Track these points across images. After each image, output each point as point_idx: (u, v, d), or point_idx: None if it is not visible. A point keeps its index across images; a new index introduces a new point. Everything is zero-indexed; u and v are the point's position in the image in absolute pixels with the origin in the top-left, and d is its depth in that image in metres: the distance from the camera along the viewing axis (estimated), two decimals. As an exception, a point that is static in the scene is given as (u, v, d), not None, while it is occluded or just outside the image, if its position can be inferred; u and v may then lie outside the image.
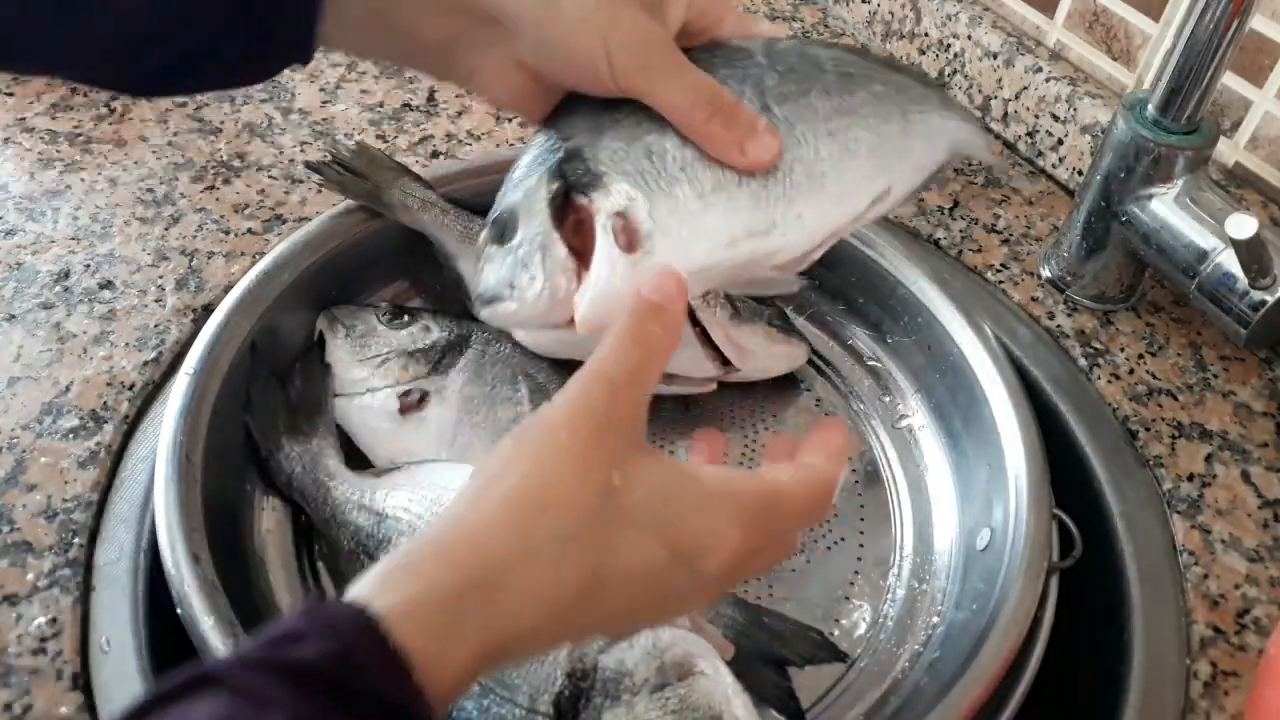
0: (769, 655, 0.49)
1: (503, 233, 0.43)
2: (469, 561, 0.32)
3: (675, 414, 0.61)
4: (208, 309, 0.61)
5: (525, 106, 0.46)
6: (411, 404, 0.57)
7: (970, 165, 0.77)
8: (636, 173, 0.42)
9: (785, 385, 0.64)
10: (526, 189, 0.43)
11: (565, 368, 0.59)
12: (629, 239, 0.41)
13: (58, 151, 0.73)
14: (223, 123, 0.76)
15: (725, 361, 0.60)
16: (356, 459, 0.56)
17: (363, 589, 0.30)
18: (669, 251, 0.41)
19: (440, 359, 0.59)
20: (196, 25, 0.41)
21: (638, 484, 0.34)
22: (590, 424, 0.34)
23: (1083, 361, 0.64)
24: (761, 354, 0.61)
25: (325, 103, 0.78)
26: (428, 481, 0.52)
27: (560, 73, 0.43)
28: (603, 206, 0.41)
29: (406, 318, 0.60)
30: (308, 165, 0.64)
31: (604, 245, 0.40)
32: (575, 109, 0.44)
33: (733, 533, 0.36)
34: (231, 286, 0.58)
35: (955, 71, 0.82)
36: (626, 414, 0.35)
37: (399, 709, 0.28)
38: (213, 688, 0.27)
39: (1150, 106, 0.59)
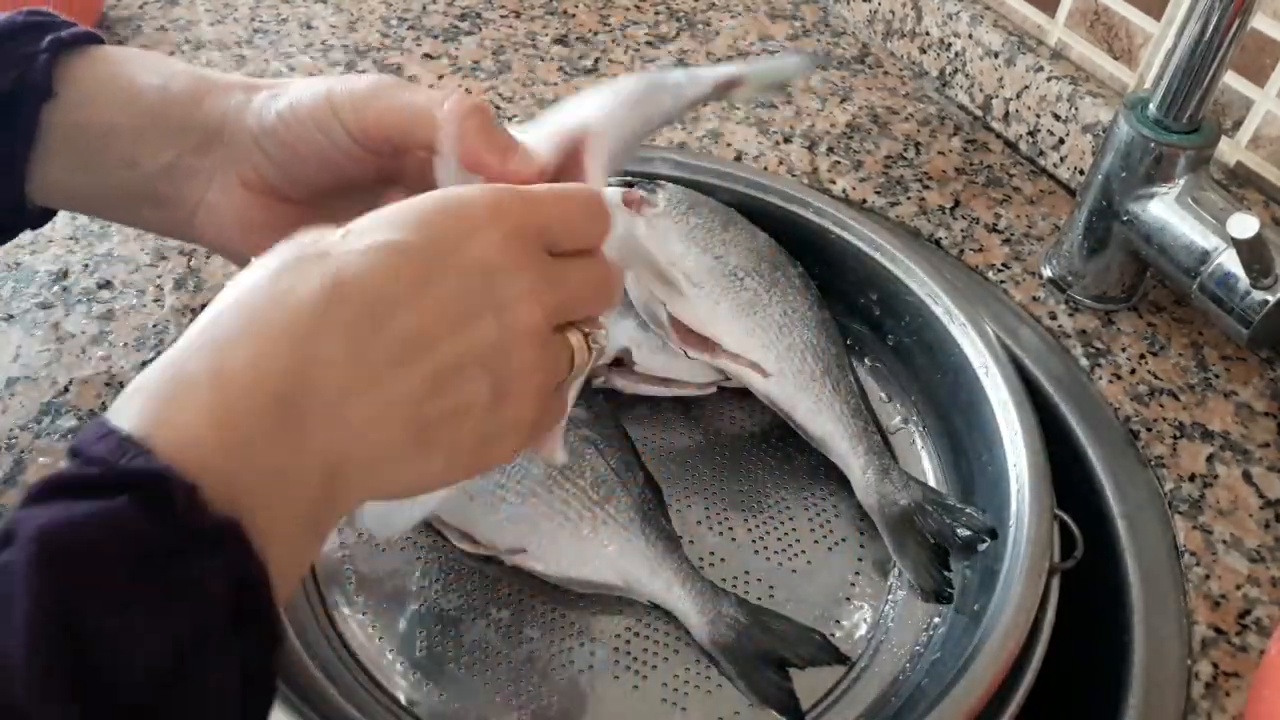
0: (770, 656, 0.49)
1: None
2: (183, 339, 0.29)
3: (675, 416, 0.61)
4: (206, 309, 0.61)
5: (257, 240, 0.41)
6: None
7: (971, 165, 0.77)
8: None
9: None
10: None
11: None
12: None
13: (56, 151, 0.72)
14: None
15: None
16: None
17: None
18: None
19: None
20: None
21: (340, 229, 0.32)
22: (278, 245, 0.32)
23: (1084, 361, 0.64)
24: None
25: (324, 102, 0.78)
26: None
27: (295, 162, 0.40)
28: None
29: None
30: None
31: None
32: None
33: (486, 200, 0.33)
34: (230, 286, 0.57)
35: (956, 70, 0.82)
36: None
37: (134, 477, 0.25)
38: (5, 540, 0.25)
39: (1152, 106, 0.59)
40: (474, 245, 0.32)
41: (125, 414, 0.27)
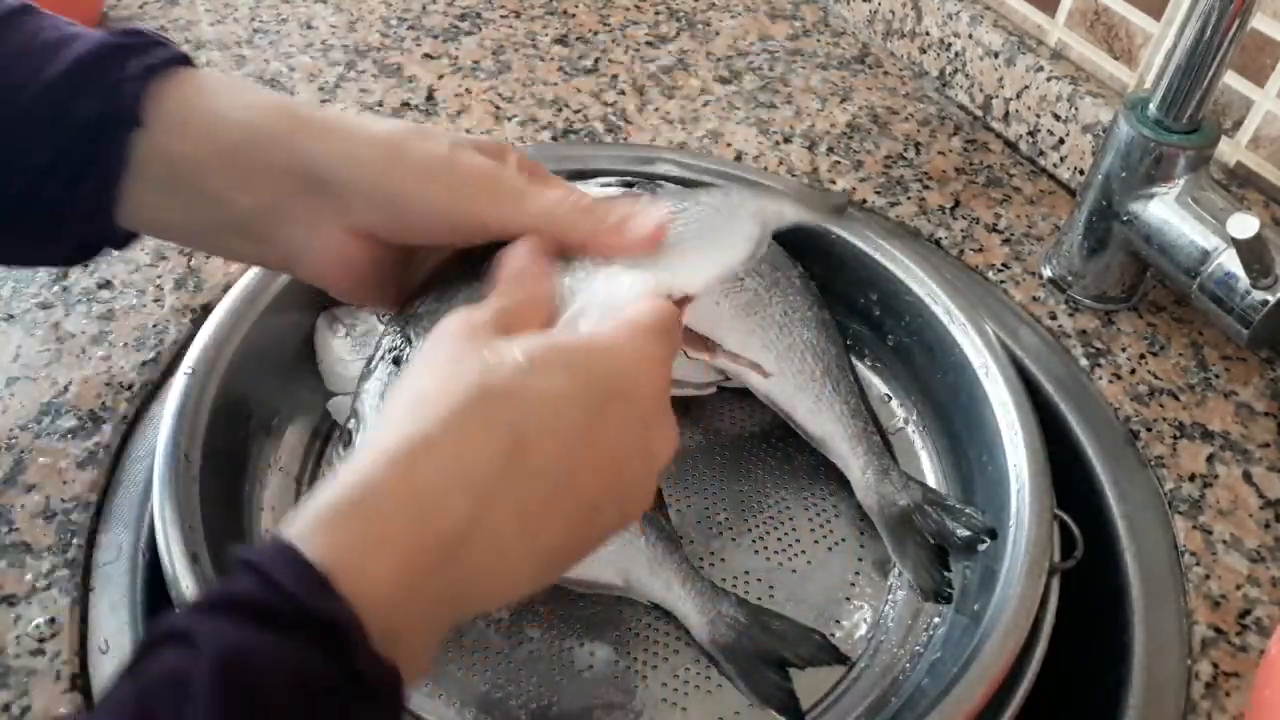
0: (770, 656, 0.49)
1: (350, 440, 0.44)
2: (369, 467, 0.30)
3: (675, 416, 0.61)
4: (206, 309, 0.61)
5: (361, 283, 0.43)
6: None
7: (971, 165, 0.77)
8: None
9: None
10: (364, 387, 0.44)
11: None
12: None
13: (56, 151, 0.72)
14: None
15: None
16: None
17: (285, 531, 0.29)
18: None
19: None
20: None
21: (514, 351, 0.33)
22: (448, 344, 0.34)
23: (1084, 361, 0.64)
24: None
25: (324, 101, 0.78)
26: None
27: (404, 226, 0.41)
28: None
29: None
30: None
31: None
32: (422, 291, 0.44)
33: (650, 350, 0.35)
34: (230, 286, 0.57)
35: (956, 71, 0.82)
36: (484, 329, 0.34)
37: (321, 618, 0.27)
38: (155, 644, 0.26)
39: (1152, 106, 0.59)
40: (638, 392, 0.35)
41: (315, 544, 0.28)
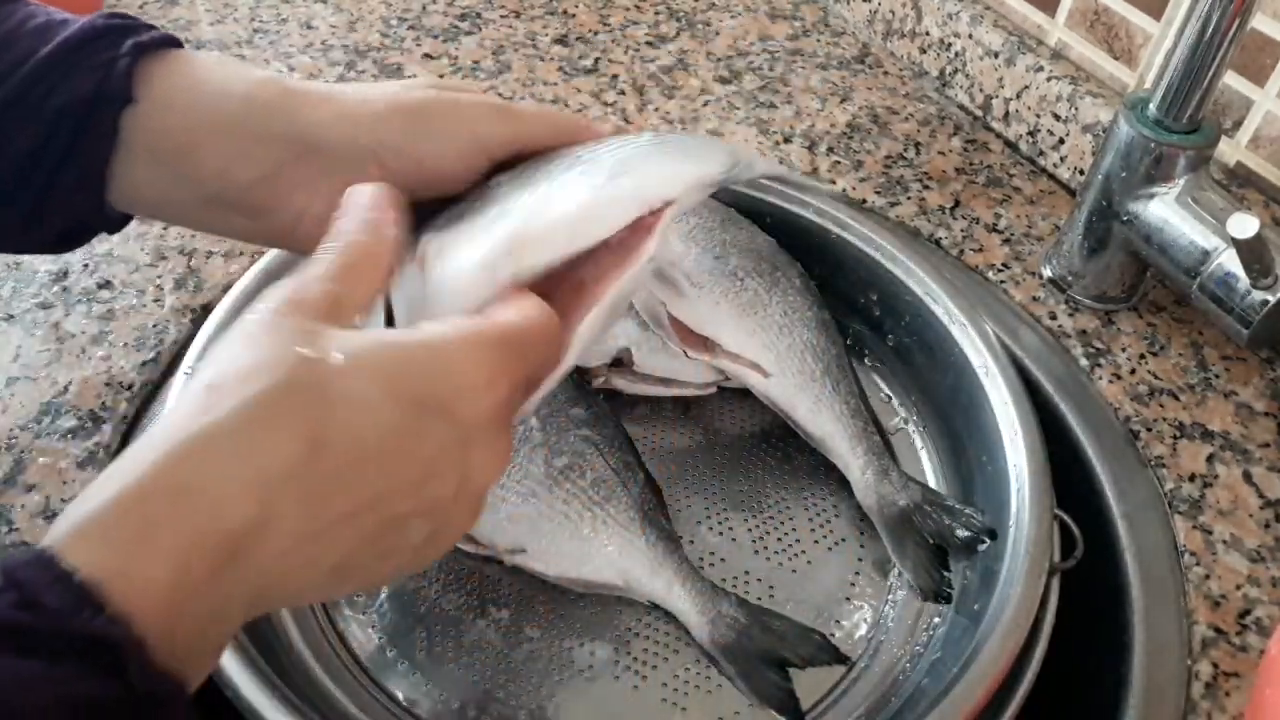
0: (770, 656, 0.49)
1: None
2: (144, 461, 0.27)
3: (675, 415, 0.61)
4: (206, 309, 0.61)
5: None
6: None
7: (971, 165, 0.77)
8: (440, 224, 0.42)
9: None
10: None
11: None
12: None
13: (56, 151, 0.72)
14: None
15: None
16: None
17: (48, 537, 0.27)
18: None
19: None
20: None
21: (338, 347, 0.30)
22: (270, 315, 0.31)
23: (1084, 361, 0.64)
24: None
25: (325, 102, 0.78)
26: None
27: (409, 172, 0.41)
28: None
29: None
30: None
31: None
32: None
33: (480, 369, 0.32)
34: (230, 286, 0.57)
35: (956, 70, 0.82)
36: (314, 305, 0.31)
37: (90, 637, 0.24)
38: None
39: (1152, 106, 0.59)
40: (460, 411, 0.32)
41: (79, 554, 0.25)
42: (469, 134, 0.41)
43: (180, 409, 0.29)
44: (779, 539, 0.56)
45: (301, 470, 0.28)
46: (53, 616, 0.24)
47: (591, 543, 0.51)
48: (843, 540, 0.56)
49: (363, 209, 0.35)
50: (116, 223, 0.43)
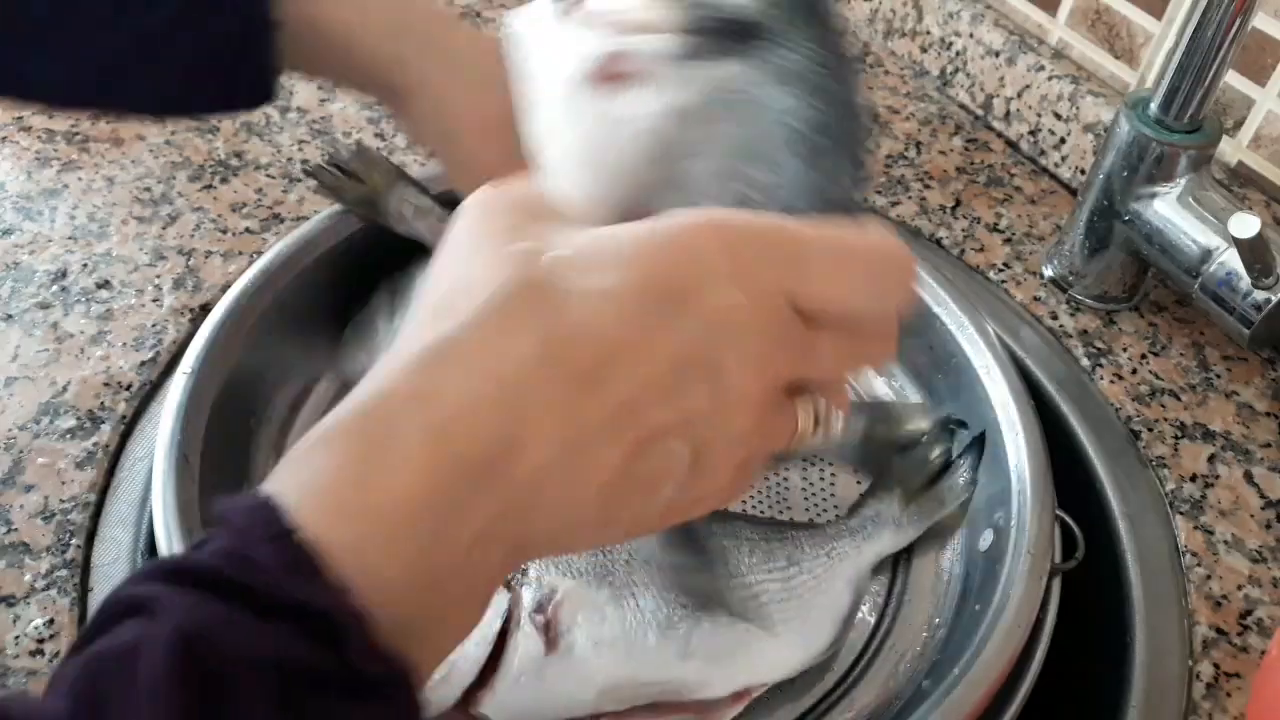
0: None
1: None
2: (379, 378, 0.25)
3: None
4: (205, 308, 0.61)
5: (493, 136, 0.44)
6: None
7: (972, 164, 0.76)
8: (573, 570, 0.43)
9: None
10: None
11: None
12: (549, 636, 0.42)
13: (55, 150, 0.72)
14: (220, 121, 0.76)
15: None
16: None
17: (274, 473, 0.25)
18: (586, 655, 0.42)
19: None
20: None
21: (558, 238, 0.27)
22: (474, 224, 0.28)
23: (1085, 361, 0.63)
24: None
25: (323, 100, 0.78)
26: None
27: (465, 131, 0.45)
28: (526, 598, 0.42)
29: None
30: (305, 171, 0.64)
31: (522, 639, 0.41)
32: None
33: (723, 255, 0.27)
34: (229, 286, 0.57)
35: (957, 70, 0.82)
36: (513, 203, 0.29)
37: (307, 608, 0.22)
38: (116, 613, 0.23)
39: (1153, 105, 0.59)
40: (703, 302, 0.27)
41: (306, 493, 0.24)
42: None
43: (409, 335, 0.26)
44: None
45: (544, 374, 0.25)
46: (265, 576, 0.22)
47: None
48: (843, 540, 0.56)
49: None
50: (278, 60, 0.47)
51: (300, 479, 0.24)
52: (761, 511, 0.56)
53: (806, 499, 0.57)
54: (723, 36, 0.30)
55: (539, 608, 0.42)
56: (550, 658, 0.42)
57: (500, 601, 0.43)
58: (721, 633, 0.46)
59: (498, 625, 0.42)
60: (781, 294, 0.28)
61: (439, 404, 0.25)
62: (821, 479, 0.58)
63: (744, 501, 0.57)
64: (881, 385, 0.63)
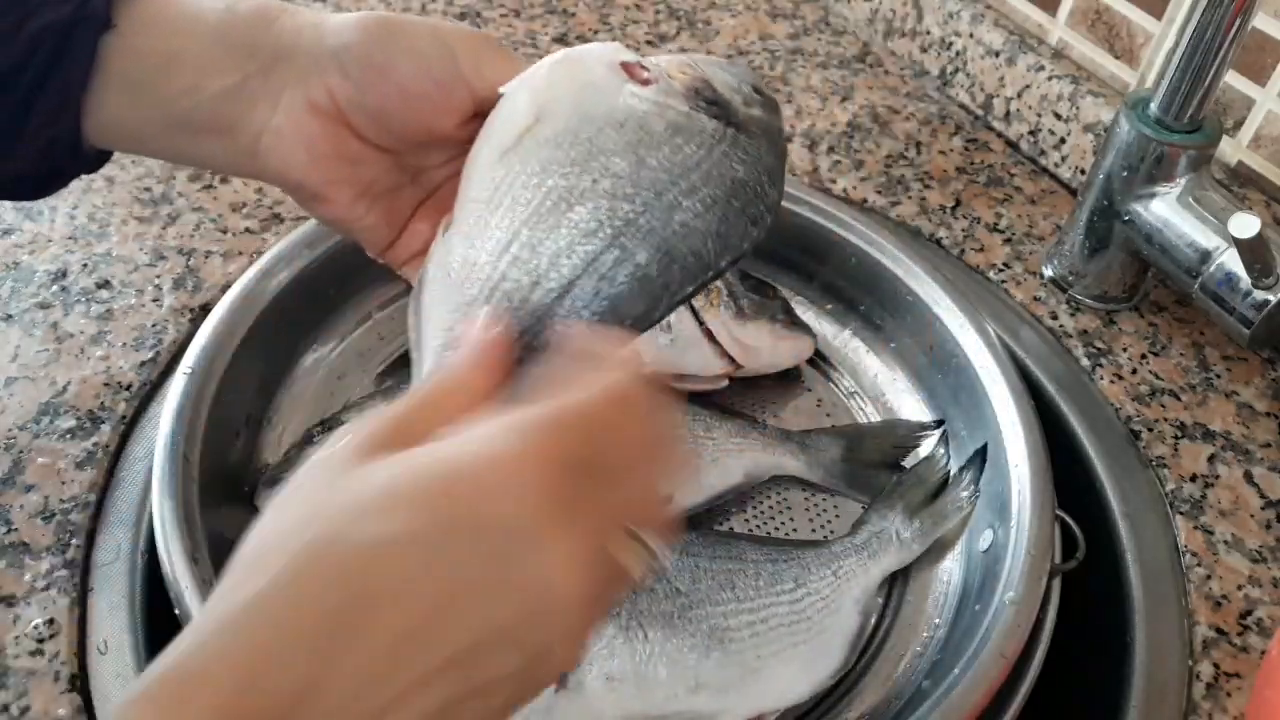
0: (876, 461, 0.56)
1: None
2: (200, 628, 0.27)
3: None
4: (205, 309, 0.61)
5: (330, 178, 0.40)
6: None
7: (972, 164, 0.76)
8: None
9: (789, 381, 0.64)
10: None
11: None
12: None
13: (55, 150, 0.72)
14: (221, 121, 0.76)
15: (731, 359, 0.60)
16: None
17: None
18: (597, 691, 0.42)
19: None
20: None
21: (372, 480, 0.28)
22: (324, 460, 0.30)
23: (1085, 361, 0.63)
24: (766, 350, 0.61)
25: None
26: None
27: (375, 94, 0.39)
28: None
29: None
30: None
31: None
32: None
33: (512, 459, 0.28)
34: (229, 286, 0.57)
35: (957, 70, 0.82)
36: (377, 438, 0.30)
37: None
38: None
39: (1153, 105, 0.59)
40: (490, 526, 0.27)
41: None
42: (448, 60, 0.38)
43: (228, 583, 0.27)
44: (780, 538, 0.56)
45: (342, 624, 0.26)
46: None
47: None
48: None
49: (472, 339, 0.34)
50: (92, 161, 0.42)
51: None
52: (768, 533, 0.56)
53: (811, 519, 0.57)
54: (712, 104, 0.39)
55: None
56: (560, 695, 0.42)
57: None
58: (731, 662, 0.46)
59: None
60: (561, 475, 0.28)
61: (248, 663, 0.26)
62: (824, 498, 0.58)
63: (747, 522, 0.57)
64: (882, 386, 0.63)
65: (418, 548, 0.27)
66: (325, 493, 0.29)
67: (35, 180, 0.42)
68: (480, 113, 0.39)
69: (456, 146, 0.41)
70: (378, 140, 0.41)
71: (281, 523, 0.29)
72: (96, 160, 0.43)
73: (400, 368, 0.61)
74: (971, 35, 0.79)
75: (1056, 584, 0.50)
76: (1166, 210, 0.60)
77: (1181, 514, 0.56)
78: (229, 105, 0.39)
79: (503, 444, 0.28)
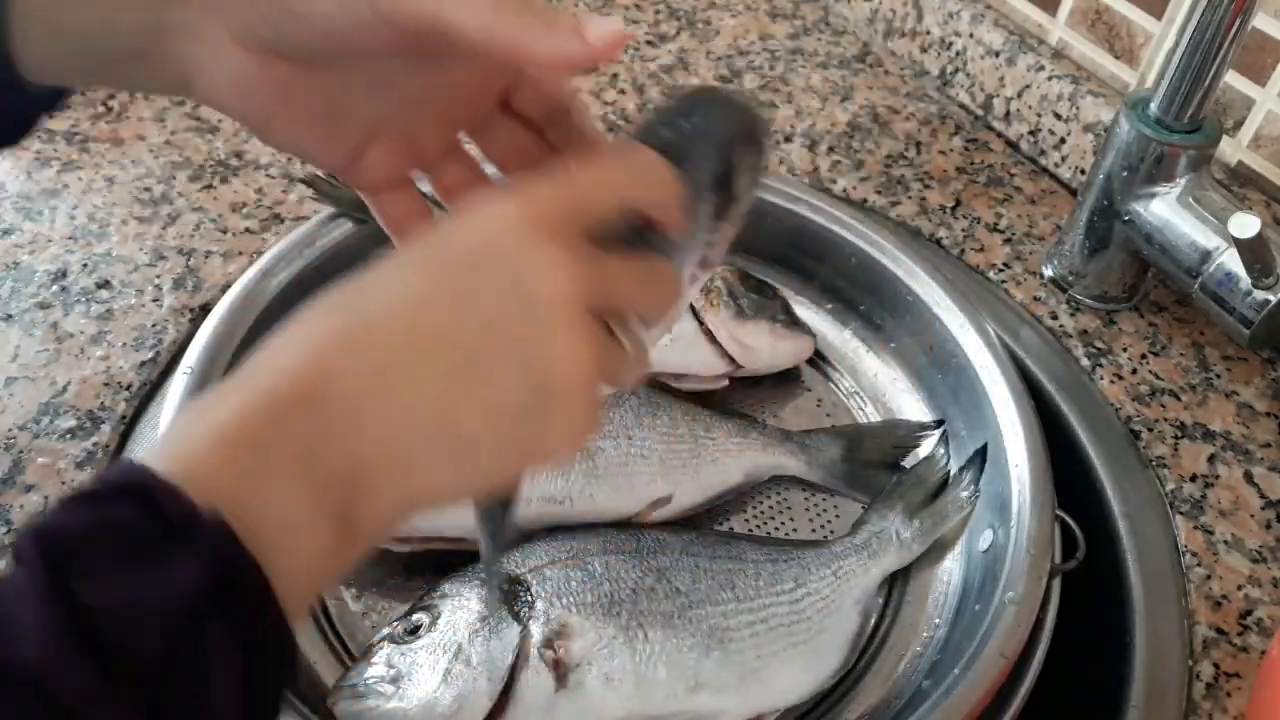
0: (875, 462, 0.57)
1: (417, 628, 0.44)
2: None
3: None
4: (205, 308, 0.61)
5: (270, 115, 0.39)
6: None
7: (972, 164, 0.76)
8: (580, 604, 0.44)
9: (790, 380, 0.64)
10: (458, 595, 0.44)
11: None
12: (559, 673, 0.42)
13: (55, 150, 0.72)
14: (221, 121, 0.76)
15: (731, 359, 0.60)
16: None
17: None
18: (597, 691, 0.43)
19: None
20: None
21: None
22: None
23: (1085, 361, 0.63)
24: (766, 350, 0.61)
25: (324, 101, 0.78)
26: None
27: (300, 27, 0.36)
28: (537, 633, 0.43)
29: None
30: (301, 180, 0.64)
31: (532, 676, 0.42)
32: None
33: (504, 200, 0.32)
34: (229, 286, 0.57)
35: (957, 70, 0.82)
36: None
37: (121, 483, 0.26)
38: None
39: (1153, 105, 0.59)
40: (490, 235, 0.31)
41: (167, 437, 0.29)
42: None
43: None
44: (780, 538, 0.56)
45: (343, 330, 0.30)
46: (98, 481, 0.26)
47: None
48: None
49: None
50: (47, 99, 0.41)
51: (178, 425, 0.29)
52: (768, 533, 0.56)
53: (811, 519, 0.57)
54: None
55: (548, 643, 0.43)
56: (560, 694, 0.43)
57: (510, 637, 0.43)
58: (731, 662, 0.46)
59: (509, 661, 0.42)
60: (571, 228, 0.32)
61: (255, 368, 0.30)
62: (824, 498, 0.58)
63: (747, 522, 0.57)
64: (882, 386, 0.63)
65: (428, 264, 0.32)
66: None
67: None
68: (406, 38, 0.36)
69: (389, 63, 0.39)
70: (307, 61, 0.38)
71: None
72: (52, 97, 0.41)
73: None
74: (971, 35, 0.79)
75: (1056, 584, 0.50)
76: (1166, 210, 0.60)
77: (1181, 514, 0.56)
78: (148, 38, 0.38)
79: (508, 199, 0.32)
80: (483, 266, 0.31)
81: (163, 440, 0.28)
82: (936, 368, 0.60)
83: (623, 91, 0.81)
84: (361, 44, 0.36)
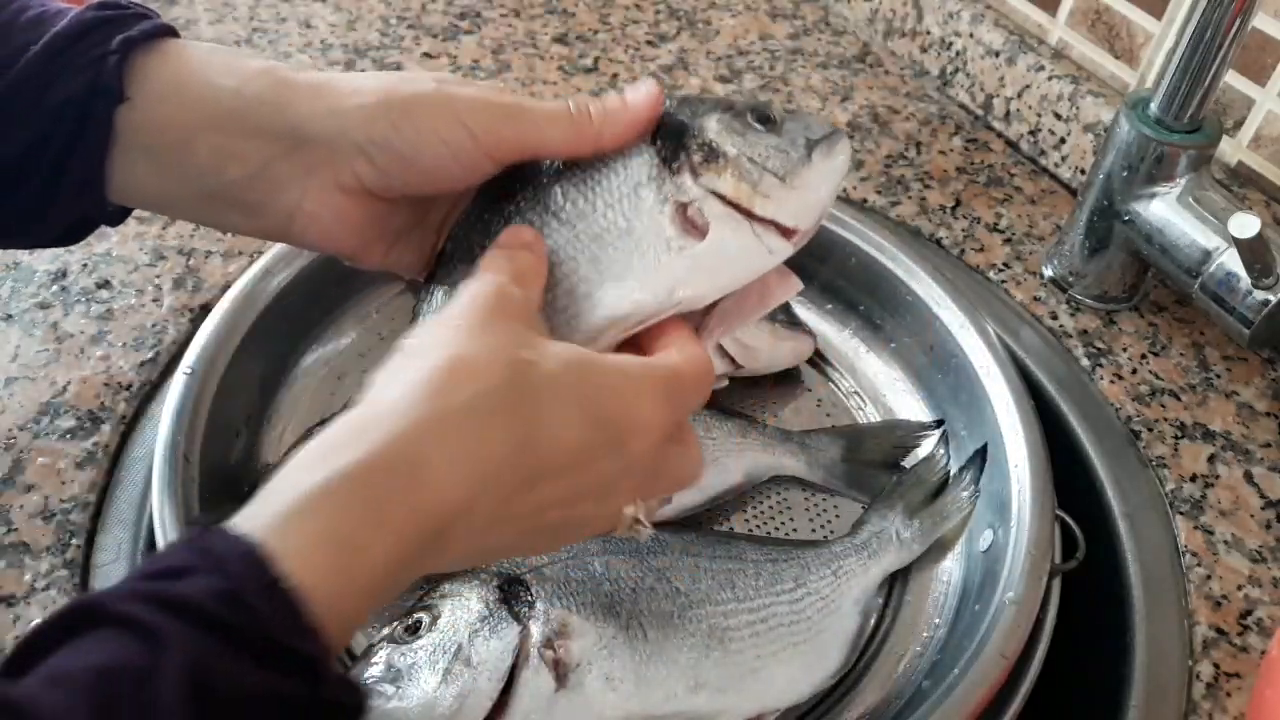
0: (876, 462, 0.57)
1: (417, 628, 0.44)
2: (372, 435, 0.30)
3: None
4: (205, 308, 0.61)
5: (365, 243, 0.42)
6: None
7: (972, 164, 0.76)
8: (580, 604, 0.45)
9: (790, 380, 0.64)
10: (458, 594, 0.45)
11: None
12: (559, 673, 0.43)
13: (55, 150, 0.72)
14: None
15: (731, 359, 0.60)
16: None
17: (254, 520, 0.28)
18: (597, 691, 0.43)
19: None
20: None
21: (550, 357, 0.34)
22: (485, 310, 0.34)
23: (1085, 361, 0.63)
24: (766, 350, 0.61)
25: (324, 101, 0.78)
26: None
27: (401, 172, 0.40)
28: (536, 633, 0.43)
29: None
30: None
31: (531, 676, 0.42)
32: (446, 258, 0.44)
33: (656, 410, 0.35)
34: (229, 286, 0.57)
35: (957, 70, 0.82)
36: (518, 308, 0.35)
37: (294, 653, 0.27)
38: (95, 623, 0.25)
39: (1153, 105, 0.59)
40: (632, 445, 0.35)
41: (298, 554, 0.28)
42: (464, 134, 0.39)
43: (418, 386, 0.31)
44: (780, 538, 0.56)
45: (508, 466, 0.32)
46: (261, 621, 0.26)
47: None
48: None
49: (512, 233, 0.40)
50: (117, 216, 0.43)
51: (292, 529, 0.28)
52: (768, 533, 0.56)
53: (811, 519, 0.57)
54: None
55: (548, 643, 0.43)
56: (560, 694, 0.43)
57: (510, 637, 0.43)
58: (731, 662, 0.46)
59: (509, 661, 0.42)
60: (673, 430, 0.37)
61: (424, 476, 0.30)
62: (824, 498, 0.58)
63: (747, 522, 0.56)
64: (882, 386, 0.63)
65: (585, 433, 0.34)
66: (510, 346, 0.33)
67: (62, 236, 0.43)
68: (500, 166, 0.41)
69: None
70: (405, 200, 0.42)
71: (465, 351, 0.33)
72: (121, 215, 0.43)
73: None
74: (971, 35, 0.79)
75: (1056, 584, 0.50)
76: (1166, 210, 0.60)
77: (1181, 514, 0.56)
78: (254, 188, 0.40)
79: (650, 389, 0.36)
80: (611, 468, 0.35)
81: (319, 548, 0.28)
82: (936, 368, 0.60)
83: (622, 92, 0.81)
84: (463, 178, 0.40)
